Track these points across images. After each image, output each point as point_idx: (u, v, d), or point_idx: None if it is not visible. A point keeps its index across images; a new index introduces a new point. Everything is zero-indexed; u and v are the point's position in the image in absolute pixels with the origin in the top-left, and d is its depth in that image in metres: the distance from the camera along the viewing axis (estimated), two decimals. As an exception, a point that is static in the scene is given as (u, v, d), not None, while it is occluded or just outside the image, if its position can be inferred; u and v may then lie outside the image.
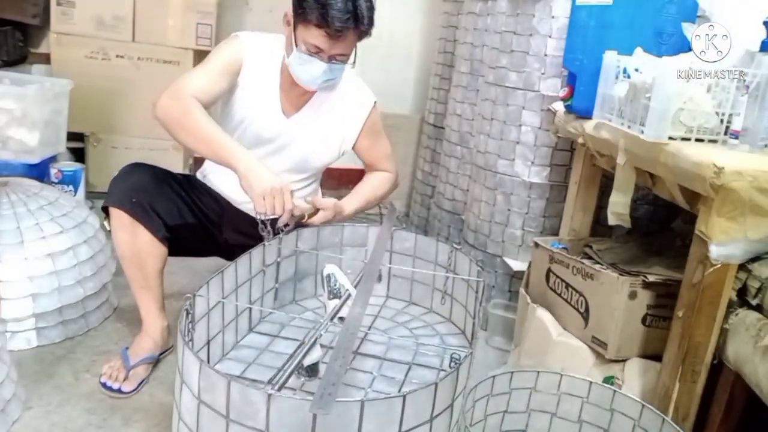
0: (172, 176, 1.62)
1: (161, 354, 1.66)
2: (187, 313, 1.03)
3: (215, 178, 1.69)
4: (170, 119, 1.42)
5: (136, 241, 1.51)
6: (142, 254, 1.53)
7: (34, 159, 2.32)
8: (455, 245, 1.51)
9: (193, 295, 1.07)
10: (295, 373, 1.03)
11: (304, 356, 1.02)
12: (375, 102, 1.67)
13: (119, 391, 1.51)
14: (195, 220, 1.62)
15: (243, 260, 1.29)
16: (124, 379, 1.53)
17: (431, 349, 1.34)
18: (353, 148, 1.68)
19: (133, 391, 1.53)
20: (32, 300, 1.66)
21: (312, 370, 1.12)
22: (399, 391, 1.18)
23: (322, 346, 1.18)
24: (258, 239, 1.37)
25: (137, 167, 1.56)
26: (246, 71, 1.55)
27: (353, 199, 1.61)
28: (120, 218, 1.49)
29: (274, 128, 1.60)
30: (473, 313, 1.34)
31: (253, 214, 1.39)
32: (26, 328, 1.67)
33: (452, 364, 1.14)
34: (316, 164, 1.70)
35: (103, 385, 1.52)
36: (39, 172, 2.38)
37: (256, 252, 1.34)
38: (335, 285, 1.24)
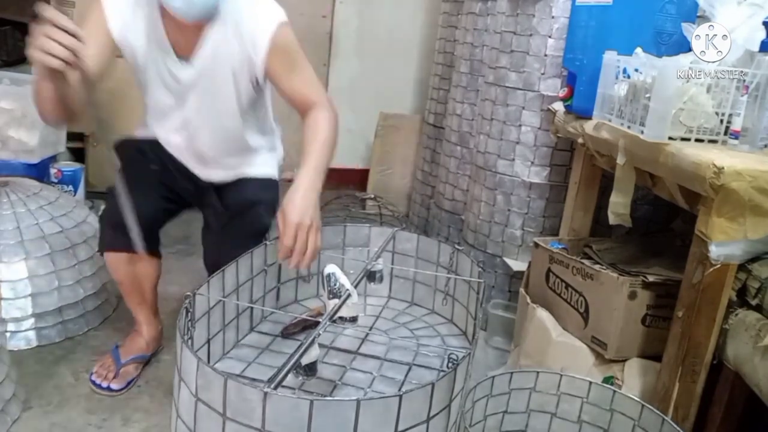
0: (143, 168, 1.51)
1: (152, 354, 1.66)
2: (187, 312, 1.03)
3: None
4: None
5: (134, 269, 1.53)
6: (140, 277, 1.55)
7: (34, 159, 2.33)
8: (457, 246, 1.51)
9: (193, 294, 1.07)
10: (294, 372, 1.03)
11: (302, 355, 1.02)
12: (282, 21, 1.39)
13: (108, 389, 1.52)
14: (176, 205, 1.57)
15: (244, 260, 1.29)
16: (114, 377, 1.54)
17: (432, 350, 1.34)
18: (268, 78, 1.42)
19: (123, 389, 1.54)
20: (32, 300, 1.66)
21: (310, 369, 1.12)
22: (398, 391, 1.18)
23: (321, 345, 1.18)
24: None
25: (112, 197, 1.45)
26: (121, 32, 1.36)
27: (307, 172, 1.31)
28: (115, 259, 1.51)
29: (178, 77, 1.41)
30: (474, 314, 1.34)
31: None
32: (26, 328, 1.67)
33: (449, 365, 1.14)
34: (232, 108, 1.45)
35: (93, 382, 1.54)
36: (39, 172, 2.38)
37: (258, 252, 1.34)
38: (335, 285, 1.24)
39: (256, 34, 1.36)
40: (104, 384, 1.52)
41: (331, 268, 1.26)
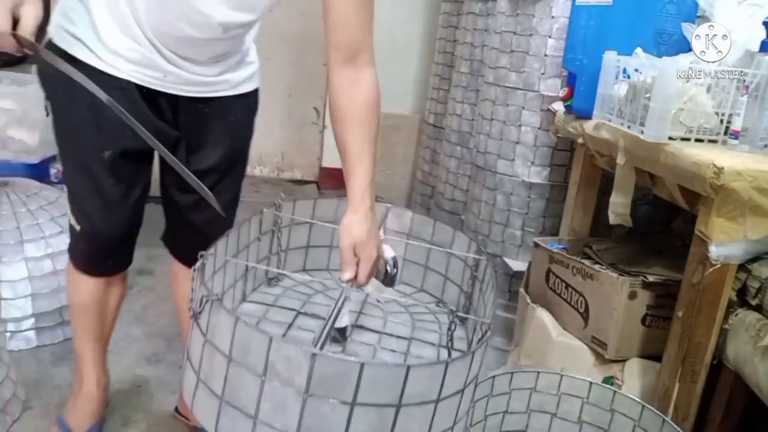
0: (93, 158, 1.15)
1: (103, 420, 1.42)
2: (204, 271, 0.96)
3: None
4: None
5: (106, 292, 1.30)
6: (108, 301, 1.31)
7: (34, 159, 2.33)
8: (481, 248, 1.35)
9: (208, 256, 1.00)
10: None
11: (336, 319, 0.98)
12: None
13: None
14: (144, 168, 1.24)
15: (253, 221, 1.20)
16: None
17: (427, 324, 1.30)
18: None
19: None
20: (32, 300, 1.66)
21: (342, 334, 1.10)
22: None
23: (317, 317, 1.14)
24: None
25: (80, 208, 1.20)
26: None
27: (368, 184, 1.06)
28: (88, 280, 1.26)
29: None
30: (467, 292, 1.30)
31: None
32: (26, 328, 1.67)
33: (452, 324, 1.10)
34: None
35: None
36: (39, 172, 2.39)
37: (267, 214, 1.26)
38: (392, 270, 1.14)
39: None
40: None
41: (388, 252, 1.14)
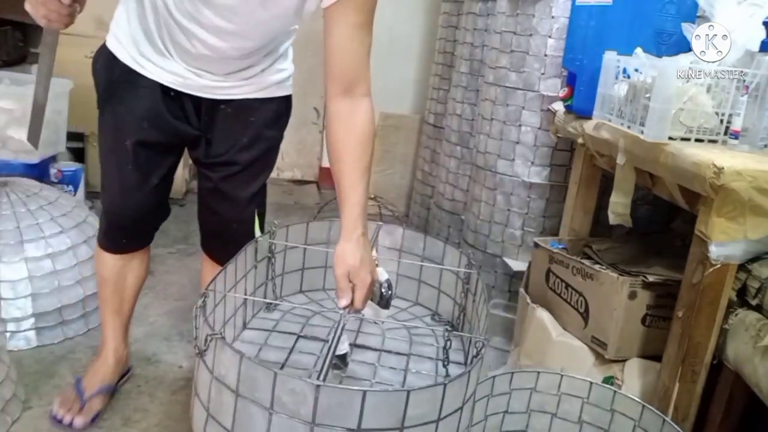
0: (118, 146, 1.31)
1: (119, 381, 1.55)
2: (204, 307, 0.99)
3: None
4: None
5: (125, 266, 1.44)
6: (127, 277, 1.46)
7: (34, 159, 2.32)
8: (471, 262, 1.37)
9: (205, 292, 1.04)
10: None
11: (336, 347, 1.00)
12: None
13: (70, 425, 1.40)
14: (174, 157, 1.38)
15: (249, 250, 1.23)
16: (79, 411, 1.41)
17: (426, 338, 1.32)
18: (326, 12, 1.08)
19: (86, 425, 1.42)
20: (32, 300, 1.66)
21: (343, 361, 1.11)
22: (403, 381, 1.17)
23: (317, 339, 1.16)
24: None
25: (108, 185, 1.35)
26: None
27: (360, 213, 1.09)
28: (109, 254, 1.42)
29: None
30: (460, 304, 1.31)
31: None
32: (26, 328, 1.67)
33: (448, 341, 1.11)
34: (270, 32, 1.21)
35: (54, 418, 1.41)
36: (39, 172, 2.38)
37: (262, 242, 1.29)
38: (387, 293, 1.16)
39: None
40: (66, 419, 1.40)
41: (381, 275, 1.15)
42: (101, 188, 1.38)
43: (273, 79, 1.33)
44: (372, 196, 2.80)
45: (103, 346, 1.52)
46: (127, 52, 1.26)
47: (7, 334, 1.64)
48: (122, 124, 1.30)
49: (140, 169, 1.32)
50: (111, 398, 1.51)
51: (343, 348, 1.09)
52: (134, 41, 1.25)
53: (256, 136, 1.34)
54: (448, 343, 1.11)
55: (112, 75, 1.28)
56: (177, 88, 1.27)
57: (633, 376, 1.37)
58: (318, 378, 0.85)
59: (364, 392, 0.80)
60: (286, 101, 1.39)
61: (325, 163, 3.38)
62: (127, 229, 1.40)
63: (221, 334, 0.90)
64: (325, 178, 3.40)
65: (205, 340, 0.90)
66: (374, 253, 1.27)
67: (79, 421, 1.40)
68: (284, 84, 1.36)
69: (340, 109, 1.09)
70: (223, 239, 1.40)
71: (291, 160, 3.60)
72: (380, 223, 1.50)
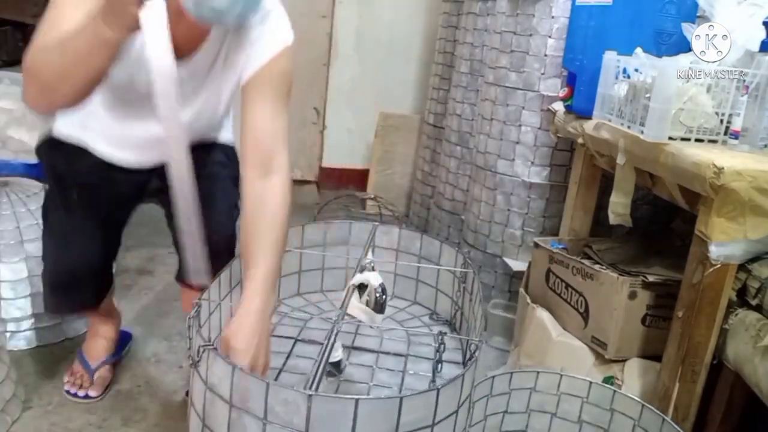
0: (65, 201, 1.34)
1: (122, 350, 1.64)
2: (198, 318, 1.00)
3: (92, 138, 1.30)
4: None
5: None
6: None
7: (34, 159, 2.32)
8: (468, 261, 1.39)
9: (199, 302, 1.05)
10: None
11: (329, 355, 1.00)
12: (289, 43, 1.17)
13: (86, 397, 1.47)
14: (123, 213, 1.42)
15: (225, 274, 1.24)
16: (90, 384, 1.49)
17: (424, 339, 1.32)
18: (243, 92, 1.17)
19: (102, 395, 1.50)
20: (32, 300, 1.66)
21: (337, 368, 1.11)
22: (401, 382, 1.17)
23: (313, 342, 1.16)
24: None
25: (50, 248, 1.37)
26: None
27: (262, 288, 1.05)
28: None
29: (165, 77, 1.06)
30: (457, 302, 1.31)
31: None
32: (26, 328, 1.67)
33: (441, 346, 1.12)
34: (212, 119, 1.30)
35: (68, 392, 1.48)
36: (39, 172, 2.38)
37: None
38: (381, 297, 1.16)
39: (262, 43, 1.15)
40: (81, 393, 1.47)
41: (375, 280, 1.14)
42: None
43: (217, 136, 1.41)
44: (372, 196, 2.80)
45: (94, 328, 1.57)
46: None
47: (7, 334, 1.64)
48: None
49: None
50: (118, 364, 1.60)
51: (337, 355, 1.09)
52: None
53: (211, 169, 1.35)
54: (442, 347, 1.11)
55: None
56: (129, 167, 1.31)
57: (633, 376, 1.37)
58: (310, 387, 0.85)
59: (357, 400, 0.80)
60: (231, 148, 1.44)
61: (325, 163, 3.38)
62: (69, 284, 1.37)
63: (213, 345, 0.90)
64: (325, 178, 3.41)
65: (198, 350, 0.91)
66: (369, 255, 1.29)
67: (93, 392, 1.48)
68: (226, 138, 1.44)
69: (254, 192, 1.11)
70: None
71: (291, 160, 3.59)
72: (376, 223, 1.51)
